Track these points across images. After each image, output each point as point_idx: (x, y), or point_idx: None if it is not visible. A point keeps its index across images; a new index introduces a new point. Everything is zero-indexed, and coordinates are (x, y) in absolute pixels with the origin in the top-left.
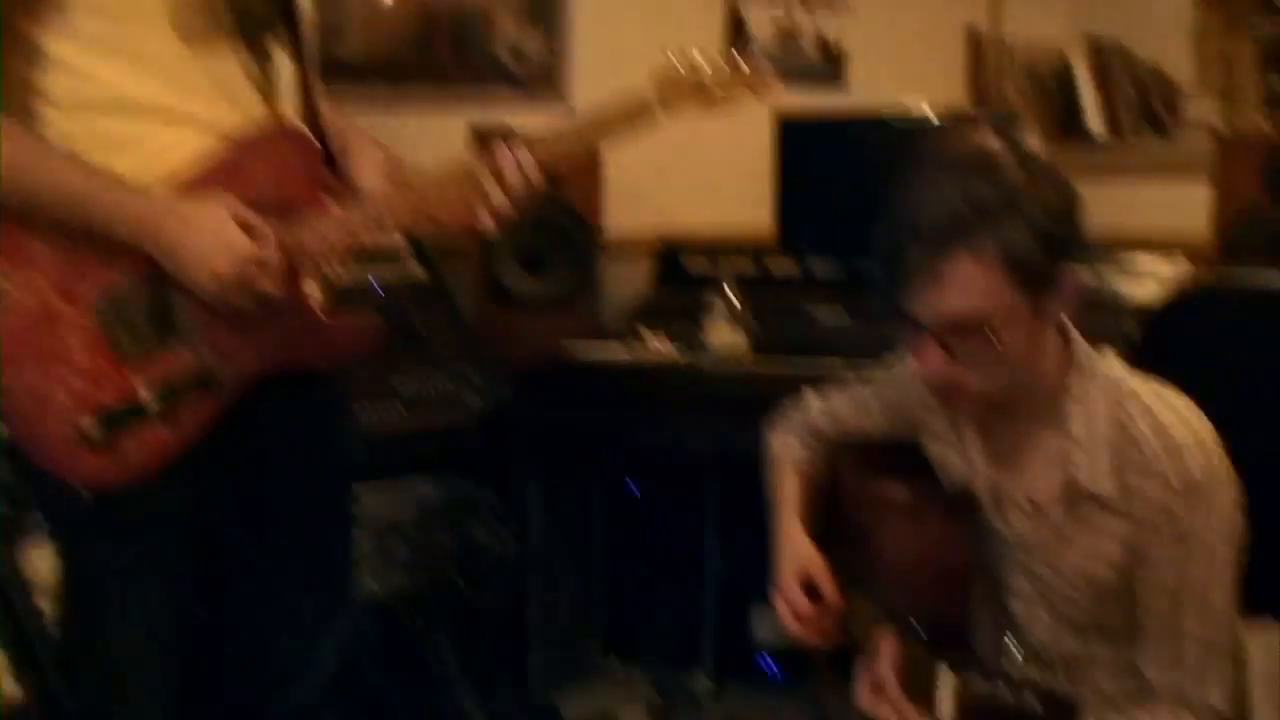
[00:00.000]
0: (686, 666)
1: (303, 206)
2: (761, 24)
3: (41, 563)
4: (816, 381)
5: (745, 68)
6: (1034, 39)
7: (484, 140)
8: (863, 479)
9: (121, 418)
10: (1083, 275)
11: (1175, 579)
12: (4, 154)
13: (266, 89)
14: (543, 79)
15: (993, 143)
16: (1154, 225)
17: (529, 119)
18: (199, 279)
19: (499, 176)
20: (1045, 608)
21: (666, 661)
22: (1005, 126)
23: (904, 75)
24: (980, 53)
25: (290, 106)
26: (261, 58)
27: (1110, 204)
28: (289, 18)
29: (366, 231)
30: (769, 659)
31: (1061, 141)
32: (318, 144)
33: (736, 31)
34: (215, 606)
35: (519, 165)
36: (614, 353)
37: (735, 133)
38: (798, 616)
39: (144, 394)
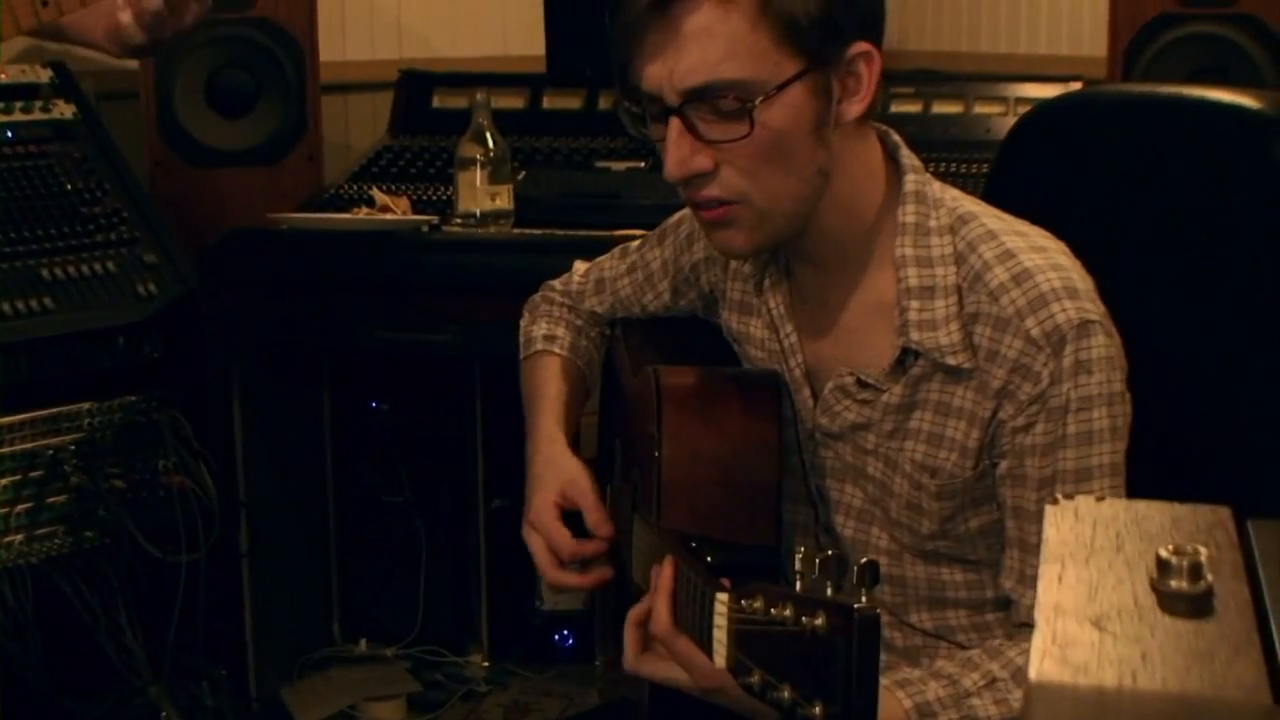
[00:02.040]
0: (454, 643)
1: None
2: None
3: None
4: (598, 251)
5: None
6: None
7: None
8: (638, 366)
9: None
10: (872, 50)
11: (1043, 465)
12: None
13: None
14: None
15: None
16: (1041, 49)
17: None
18: None
19: None
20: (882, 523)
21: (428, 637)
22: None
23: None
24: None
25: None
26: None
27: (989, 18)
28: None
29: None
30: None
31: None
32: None
33: None
34: None
35: None
36: (339, 222)
37: None
38: (555, 554)
39: None
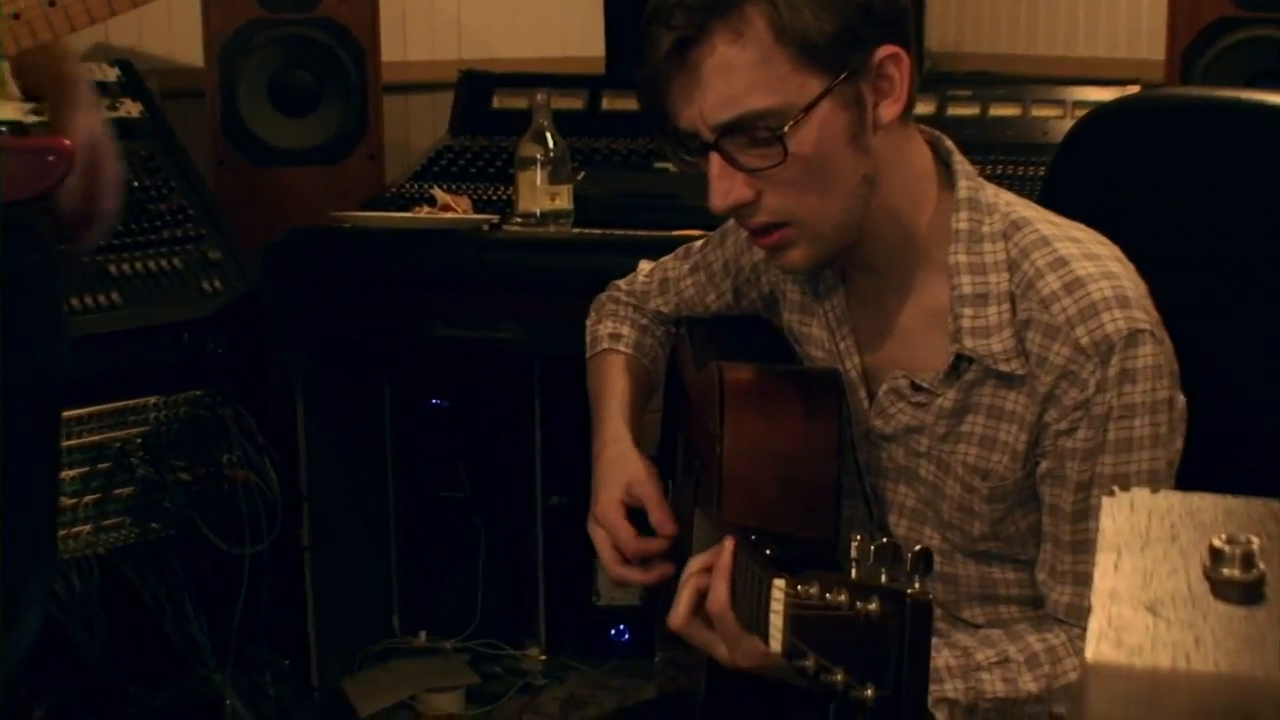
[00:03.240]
0: (512, 637)
1: None
2: None
3: None
4: (657, 251)
5: None
6: None
7: None
8: (701, 363)
9: None
10: (901, 54)
11: (1082, 469)
12: None
13: None
14: None
15: None
16: (1100, 52)
17: None
18: None
19: None
20: (934, 524)
21: (486, 631)
22: None
23: None
24: None
25: None
26: None
27: (1046, 22)
28: None
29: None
30: (617, 621)
31: None
32: None
33: None
34: None
35: None
36: (400, 220)
37: None
38: (619, 550)
39: None
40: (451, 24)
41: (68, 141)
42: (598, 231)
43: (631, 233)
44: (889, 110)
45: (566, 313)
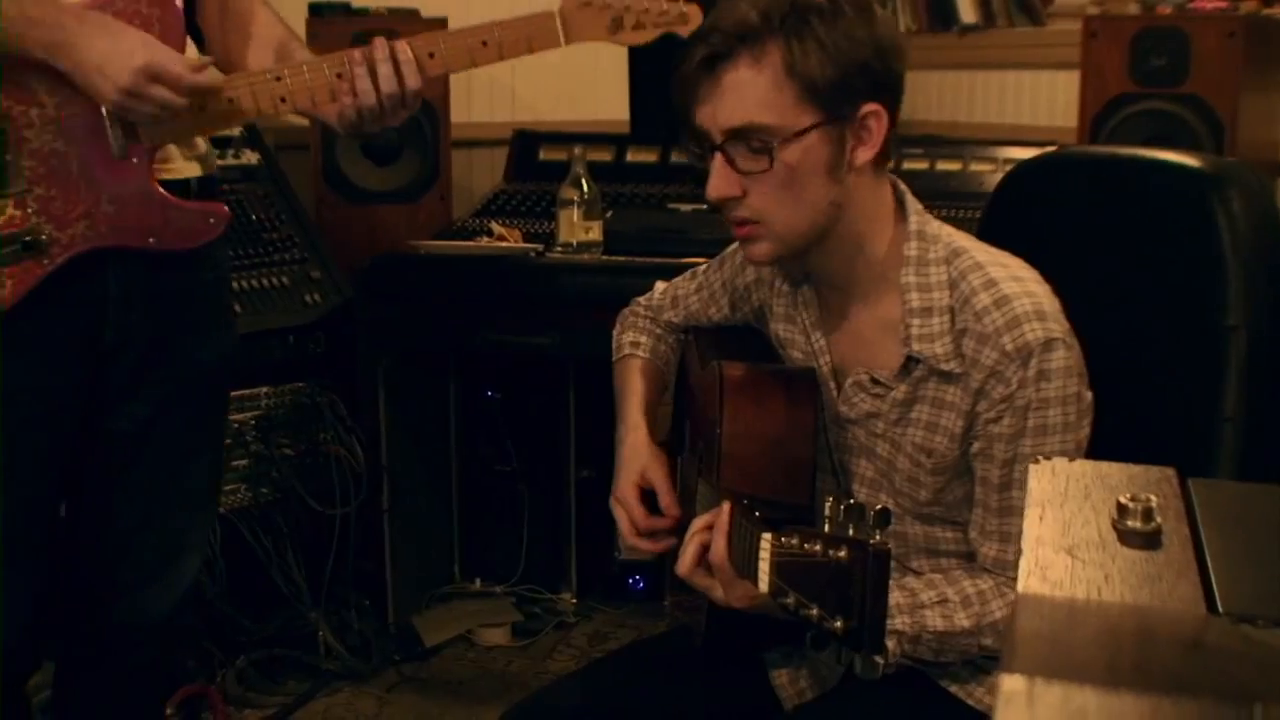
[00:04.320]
0: (549, 583)
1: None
2: None
3: None
4: (670, 275)
5: (668, 5)
6: None
7: (322, 13)
8: (705, 363)
9: None
10: (881, 111)
11: (1006, 449)
12: None
13: None
14: None
15: None
16: (1025, 120)
17: None
18: (109, 70)
19: (374, 72)
20: (888, 492)
21: (529, 578)
22: None
23: None
24: None
25: None
26: None
27: (982, 95)
28: None
29: (221, 108)
30: (634, 572)
31: (931, 29)
32: (179, 9)
33: None
34: (75, 502)
35: (398, 64)
36: (463, 248)
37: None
38: (635, 527)
39: None
40: (506, 91)
41: (224, 207)
42: (622, 258)
43: (649, 259)
44: (862, 155)
45: (595, 323)
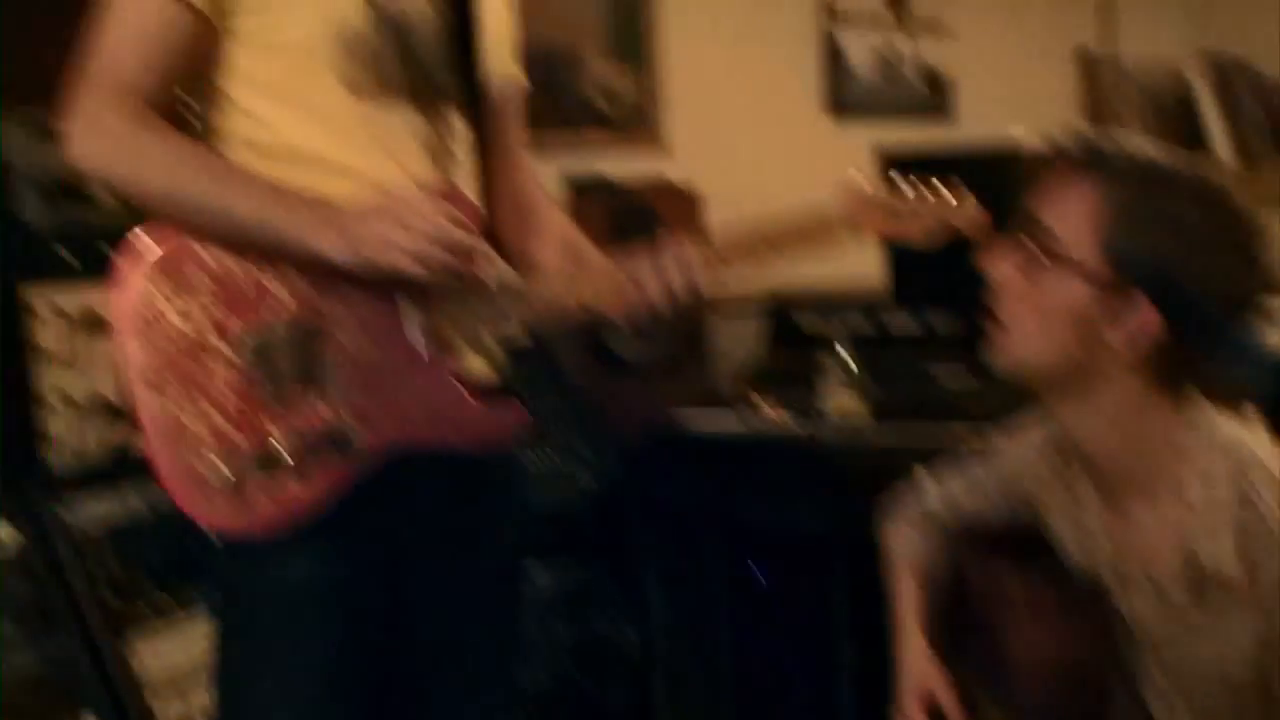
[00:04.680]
0: None
1: None
2: (860, 53)
3: (153, 659)
4: (941, 451)
5: (947, 196)
6: (1150, 58)
7: (584, 192)
8: (984, 573)
9: (252, 462)
10: (1156, 322)
11: None
12: (203, 176)
13: (439, 153)
14: (635, 119)
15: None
16: None
17: (624, 163)
18: (378, 232)
19: (662, 275)
20: (1185, 703)
21: None
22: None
23: (1014, 103)
24: (1093, 75)
25: (464, 170)
26: (435, 119)
27: None
28: (469, 83)
29: (516, 307)
30: None
31: None
32: (478, 209)
33: (834, 62)
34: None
35: (686, 268)
36: (728, 423)
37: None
38: None
39: (277, 442)
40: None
41: (519, 405)
42: (885, 427)
43: (907, 424)
44: (1115, 341)
45: (863, 501)
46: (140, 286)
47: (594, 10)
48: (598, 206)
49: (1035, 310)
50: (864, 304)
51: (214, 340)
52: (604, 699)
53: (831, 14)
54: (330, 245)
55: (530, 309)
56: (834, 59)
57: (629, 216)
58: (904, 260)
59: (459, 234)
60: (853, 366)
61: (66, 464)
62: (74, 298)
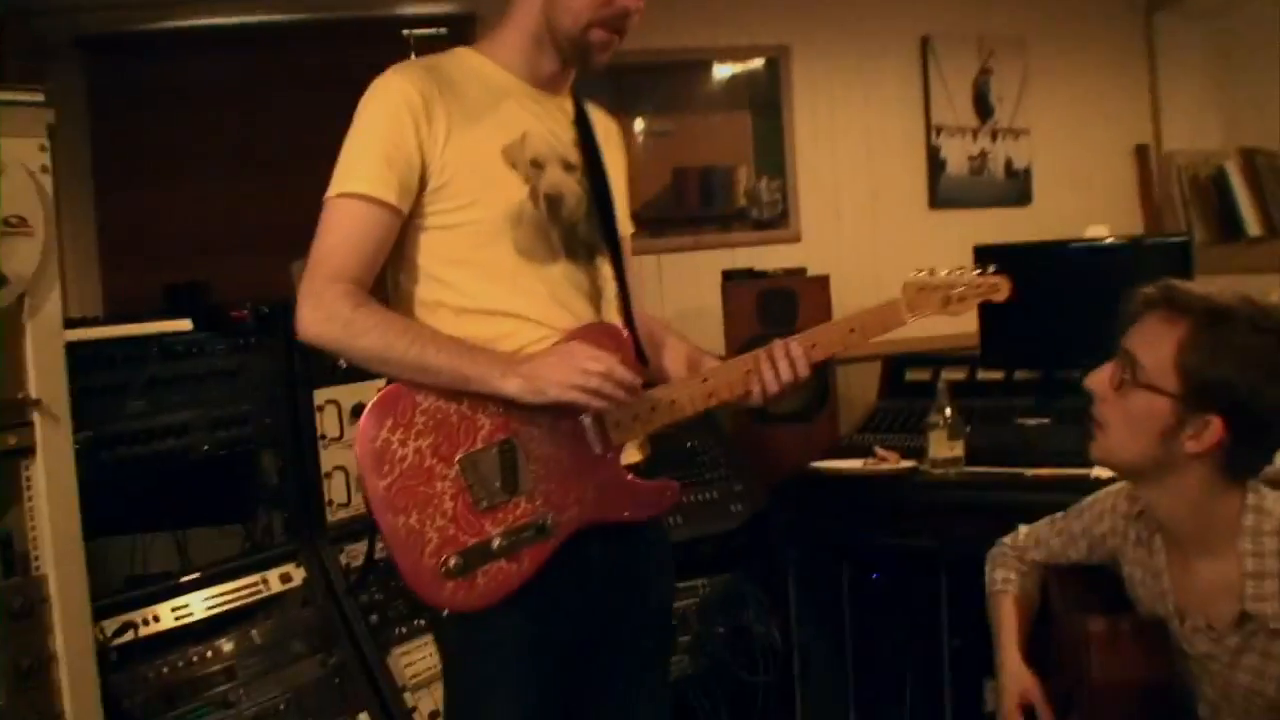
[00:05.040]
0: None
1: None
2: (956, 156)
3: (407, 666)
4: (1024, 487)
5: (985, 280)
6: (1192, 150)
7: (735, 279)
8: (1068, 610)
9: (476, 556)
10: (1225, 433)
11: None
12: (405, 340)
13: (593, 296)
14: (777, 219)
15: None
16: None
17: (768, 254)
18: (556, 376)
19: (774, 367)
20: (1228, 711)
21: None
22: None
23: (1082, 190)
24: (1148, 166)
25: (613, 310)
26: (589, 269)
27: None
28: (612, 244)
29: (667, 409)
30: None
31: (1220, 241)
32: (629, 340)
33: (935, 165)
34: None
35: (791, 359)
36: (855, 469)
37: (940, 258)
38: None
39: (494, 537)
40: None
41: (675, 483)
42: (979, 470)
43: (996, 470)
44: (1191, 447)
45: (962, 526)
46: (369, 426)
47: (746, 135)
48: (747, 291)
49: (1125, 420)
50: (962, 359)
51: (432, 462)
52: (752, 680)
53: (936, 129)
54: (516, 388)
55: (672, 412)
56: (935, 163)
57: (772, 298)
58: (991, 325)
59: (620, 371)
60: (953, 418)
61: (341, 518)
62: (347, 393)
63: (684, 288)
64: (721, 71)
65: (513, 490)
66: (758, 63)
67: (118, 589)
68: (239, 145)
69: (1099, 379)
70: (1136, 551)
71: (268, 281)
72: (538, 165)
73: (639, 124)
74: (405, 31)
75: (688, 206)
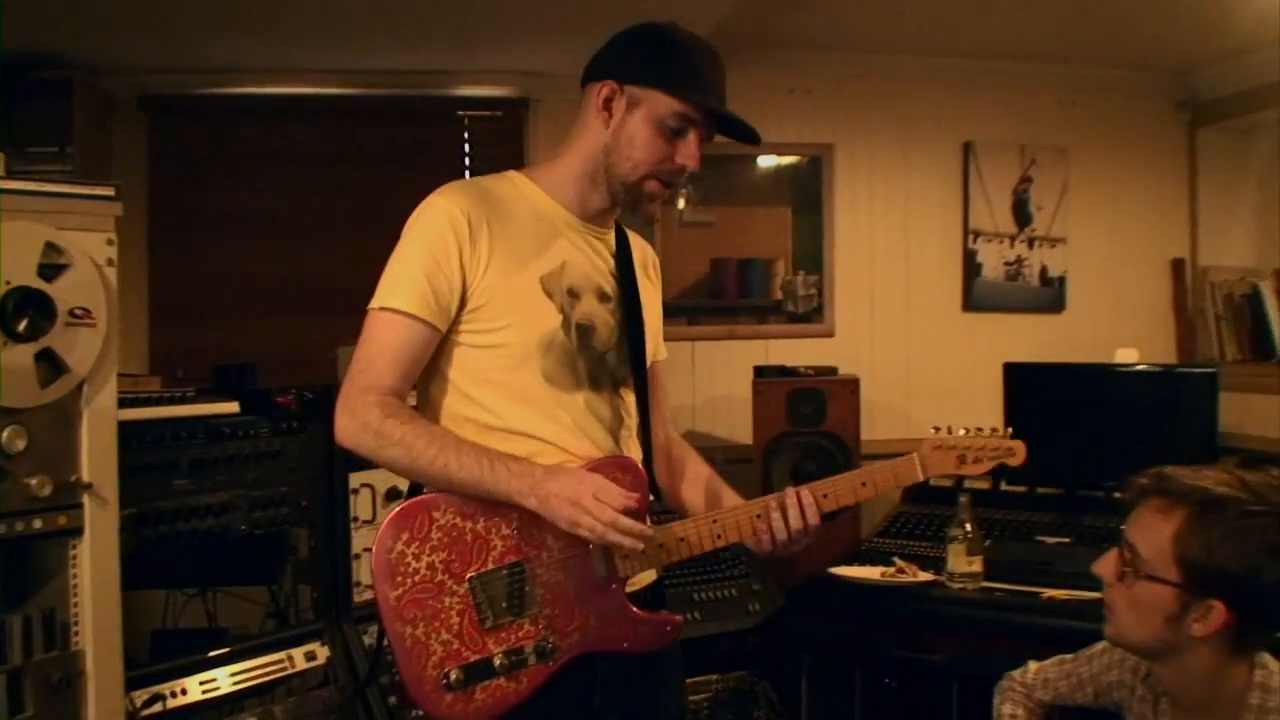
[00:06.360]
0: None
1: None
2: (992, 261)
3: None
4: (1041, 611)
5: (1002, 444)
6: (1229, 268)
7: (766, 375)
8: None
9: (477, 672)
10: (1228, 617)
11: None
12: (431, 452)
13: (614, 426)
14: (811, 313)
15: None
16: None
17: (801, 347)
18: (565, 513)
19: (784, 513)
20: None
21: None
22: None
23: (1116, 301)
24: (1183, 280)
25: (633, 440)
26: (613, 398)
27: None
28: (639, 375)
29: (675, 547)
30: None
31: (1252, 360)
32: (645, 475)
33: (970, 267)
34: None
35: (802, 507)
36: (874, 579)
37: (970, 376)
38: None
39: (496, 655)
40: (900, 415)
41: (678, 618)
42: (996, 586)
43: (1014, 588)
44: (1198, 630)
45: (977, 644)
46: (386, 537)
47: (786, 230)
48: (777, 389)
49: (1131, 607)
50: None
51: (443, 578)
52: None
53: (974, 234)
54: (533, 507)
55: (680, 549)
56: (971, 266)
57: (801, 398)
58: (1021, 438)
59: (626, 522)
60: (973, 534)
61: (368, 599)
62: (381, 477)
63: (716, 376)
64: (765, 165)
65: (518, 612)
66: (802, 159)
67: (146, 647)
68: (292, 212)
69: (1105, 567)
70: (1142, 707)
71: (309, 345)
72: (574, 295)
73: (682, 210)
74: (461, 112)
75: (725, 296)
